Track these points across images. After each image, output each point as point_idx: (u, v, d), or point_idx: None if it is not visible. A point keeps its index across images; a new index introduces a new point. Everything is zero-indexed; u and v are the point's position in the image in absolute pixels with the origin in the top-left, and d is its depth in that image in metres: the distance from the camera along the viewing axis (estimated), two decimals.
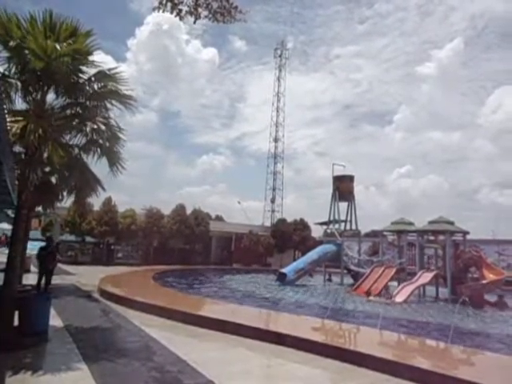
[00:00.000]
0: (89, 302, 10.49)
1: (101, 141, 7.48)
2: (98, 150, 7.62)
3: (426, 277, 15.78)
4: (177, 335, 7.20)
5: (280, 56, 47.41)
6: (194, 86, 74.71)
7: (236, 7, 4.55)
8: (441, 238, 17.34)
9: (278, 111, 45.93)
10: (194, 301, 11.19)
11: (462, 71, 66.12)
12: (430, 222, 17.08)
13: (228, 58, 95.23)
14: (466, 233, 16.77)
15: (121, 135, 7.57)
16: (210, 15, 4.44)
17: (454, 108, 66.42)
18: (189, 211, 29.63)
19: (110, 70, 7.24)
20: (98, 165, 7.87)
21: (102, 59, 7.37)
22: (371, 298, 14.57)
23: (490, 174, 61.44)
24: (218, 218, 43.71)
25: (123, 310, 9.21)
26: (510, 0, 59.60)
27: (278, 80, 46.72)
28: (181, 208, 29.39)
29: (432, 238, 18.01)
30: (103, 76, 7.18)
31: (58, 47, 6.37)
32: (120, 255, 27.37)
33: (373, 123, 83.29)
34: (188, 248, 29.48)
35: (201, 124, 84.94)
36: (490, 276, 15.41)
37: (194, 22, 4.44)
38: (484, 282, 15.12)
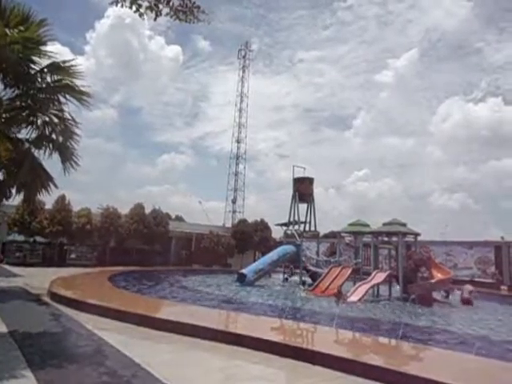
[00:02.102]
0: (37, 306, 9.91)
1: (53, 135, 7.11)
2: (50, 145, 7.24)
3: (380, 276, 16.41)
4: (131, 338, 6.99)
5: (244, 57, 47.62)
6: (156, 84, 73.07)
7: (198, 7, 4.46)
8: (394, 239, 18.11)
9: (240, 112, 46.09)
10: (151, 303, 10.93)
11: (416, 81, 69.59)
12: (385, 224, 17.79)
13: (192, 56, 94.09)
14: (417, 234, 17.62)
15: (75, 130, 7.24)
16: (172, 13, 4.32)
17: (408, 115, 69.79)
18: (148, 211, 28.94)
19: (64, 62, 6.91)
20: (50, 161, 7.47)
21: (58, 51, 7.02)
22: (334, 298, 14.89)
23: (440, 179, 65.04)
24: (178, 219, 43.07)
25: (75, 314, 8.80)
26: (459, 17, 63.50)
27: (242, 81, 46.91)
28: (139, 207, 28.62)
29: (386, 239, 18.76)
30: (57, 68, 6.83)
31: (7, 32, 5.98)
32: (73, 256, 26.14)
33: (333, 127, 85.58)
34: (147, 248, 28.74)
35: (163, 122, 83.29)
36: (438, 275, 16.32)
37: (155, 19, 4.31)
38: (432, 281, 15.97)
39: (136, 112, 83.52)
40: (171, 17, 4.33)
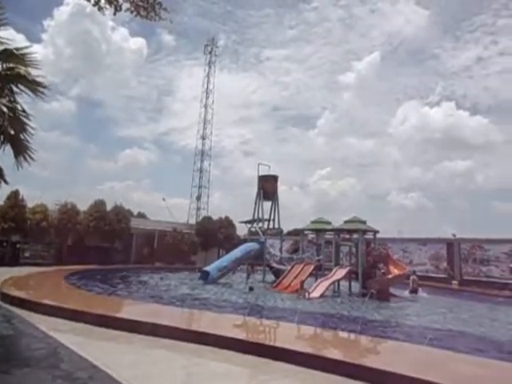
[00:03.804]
0: None
1: (3, 127, 6.69)
2: (1, 136, 6.82)
3: (341, 273, 16.89)
4: (89, 339, 6.77)
5: (210, 53, 47.10)
6: (119, 76, 70.53)
7: (160, 3, 4.36)
8: (354, 236, 18.69)
9: (206, 108, 45.60)
10: (110, 302, 10.63)
11: (378, 83, 71.75)
12: (346, 222, 18.30)
13: (157, 49, 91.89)
14: (376, 232, 18.26)
15: (28, 122, 6.86)
16: (132, 8, 4.20)
17: (370, 116, 71.89)
18: (110, 207, 28.07)
19: (17, 49, 6.52)
20: (0, 154, 7.03)
21: (11, 37, 6.63)
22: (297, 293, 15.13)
23: (397, 178, 67.67)
24: (141, 215, 42.00)
25: (28, 315, 8.37)
26: (417, 25, 66.18)
27: (208, 77, 46.41)
28: (100, 204, 27.68)
29: (347, 236, 19.31)
30: (9, 55, 6.43)
31: None
32: (27, 255, 24.84)
33: (298, 126, 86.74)
34: (107, 246, 27.88)
35: (125, 116, 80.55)
36: (395, 271, 17.03)
37: (114, 14, 4.17)
38: (390, 276, 16.65)
39: (97, 105, 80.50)
40: (131, 12, 4.20)
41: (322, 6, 74.47)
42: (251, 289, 16.43)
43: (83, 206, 27.18)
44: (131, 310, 9.53)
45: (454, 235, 26.49)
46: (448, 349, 6.75)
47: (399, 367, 5.08)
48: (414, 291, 17.87)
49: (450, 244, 25.81)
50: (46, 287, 13.03)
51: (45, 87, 6.73)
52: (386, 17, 70.15)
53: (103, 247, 27.67)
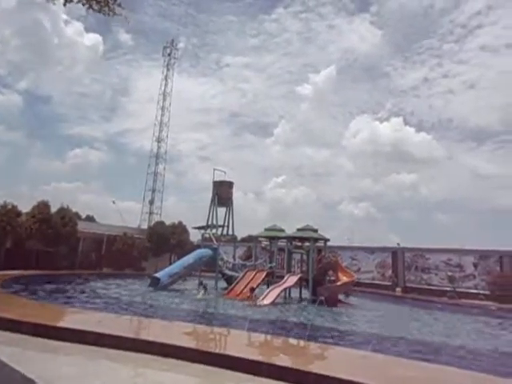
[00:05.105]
0: None
1: None
2: None
3: (292, 280, 17.18)
4: (25, 350, 6.32)
5: (169, 55, 46.48)
6: (71, 72, 67.30)
7: None
8: (306, 244, 19.13)
9: (163, 111, 44.85)
10: (50, 310, 10.00)
11: (333, 96, 74.45)
12: (298, 230, 18.71)
13: (114, 47, 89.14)
14: (326, 240, 18.83)
15: None
16: (84, 1, 4.03)
17: (325, 128, 74.27)
18: (55, 209, 26.52)
19: None
20: None
21: None
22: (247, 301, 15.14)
23: (348, 188, 70.34)
24: (89, 219, 40.23)
25: None
26: (371, 43, 69.69)
27: (166, 79, 45.72)
28: (44, 205, 26.02)
29: (299, 243, 19.72)
30: None
31: None
32: None
33: (255, 134, 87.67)
34: (51, 251, 26.27)
35: (76, 114, 77.15)
36: (344, 278, 17.62)
37: (64, 5, 3.99)
38: (338, 283, 17.20)
39: (45, 101, 76.33)
40: (83, 5, 4.03)
41: (282, 18, 76.26)
42: (205, 288, 16.49)
43: (25, 208, 25.50)
44: (74, 319, 9.04)
45: (399, 244, 27.96)
46: (386, 354, 7.08)
47: (340, 372, 5.27)
48: (346, 295, 18.55)
49: (394, 253, 27.17)
50: None
51: None
52: (342, 33, 73.27)
53: (46, 252, 26.03)
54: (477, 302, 21.04)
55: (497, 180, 56.42)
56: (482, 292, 22.66)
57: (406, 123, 68.40)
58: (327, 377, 5.09)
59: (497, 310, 18.87)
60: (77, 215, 30.79)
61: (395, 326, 11.99)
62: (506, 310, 18.23)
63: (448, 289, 23.49)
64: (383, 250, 27.98)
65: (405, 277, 26.16)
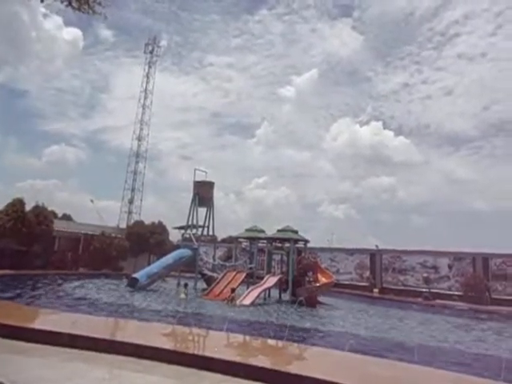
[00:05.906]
0: None
1: None
2: None
3: (272, 280, 17.24)
4: None
5: (151, 52, 45.93)
6: (49, 67, 65.74)
7: None
8: (286, 245, 19.23)
9: (144, 109, 44.29)
10: (23, 311, 9.71)
11: (315, 99, 75.24)
12: (279, 231, 18.78)
13: (94, 42, 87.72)
14: (306, 241, 18.97)
15: None
16: None
17: (306, 130, 74.98)
18: (30, 207, 25.76)
19: None
20: None
21: None
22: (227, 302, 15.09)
23: (329, 190, 71.20)
24: (66, 217, 39.27)
25: None
26: (353, 48, 70.79)
27: (147, 76, 45.17)
28: (18, 203, 25.25)
29: (279, 244, 19.81)
30: None
31: None
32: None
33: (237, 134, 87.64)
34: (25, 250, 25.49)
35: (53, 110, 75.16)
36: (323, 279, 17.80)
37: (42, 1, 3.88)
38: (318, 284, 17.36)
39: (21, 95, 74.34)
40: (62, 2, 3.93)
41: (266, 20, 76.51)
42: (186, 285, 16.51)
43: None
44: (47, 320, 8.80)
45: (377, 246, 28.43)
46: (363, 353, 7.18)
47: (317, 371, 5.32)
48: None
49: (372, 254, 27.63)
50: None
51: None
52: (324, 37, 74.13)
53: (20, 251, 25.25)
54: (450, 302, 21.62)
55: (471, 184, 58.27)
56: (455, 293, 23.30)
57: (386, 127, 70.24)
58: (304, 377, 5.13)
59: (468, 310, 19.48)
60: (53, 214, 30.00)
61: (371, 326, 12.19)
62: (477, 311, 18.83)
63: (424, 290, 24.04)
64: (362, 251, 28.41)
65: (382, 278, 26.64)
